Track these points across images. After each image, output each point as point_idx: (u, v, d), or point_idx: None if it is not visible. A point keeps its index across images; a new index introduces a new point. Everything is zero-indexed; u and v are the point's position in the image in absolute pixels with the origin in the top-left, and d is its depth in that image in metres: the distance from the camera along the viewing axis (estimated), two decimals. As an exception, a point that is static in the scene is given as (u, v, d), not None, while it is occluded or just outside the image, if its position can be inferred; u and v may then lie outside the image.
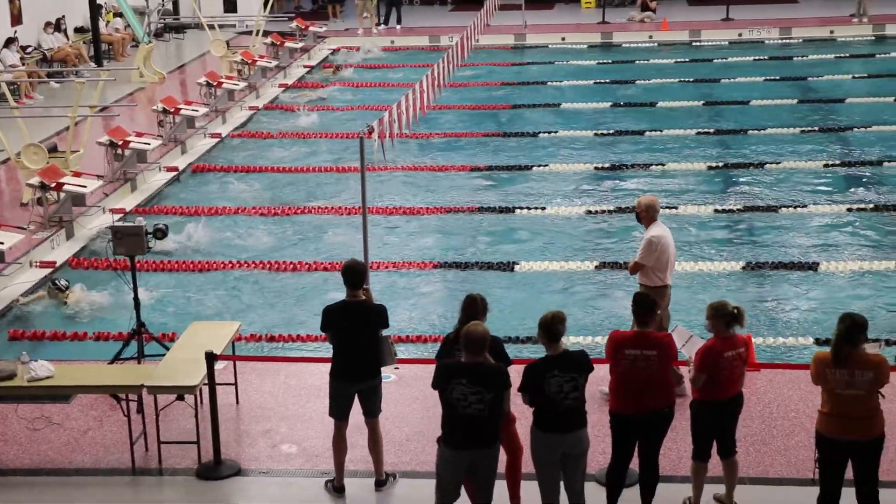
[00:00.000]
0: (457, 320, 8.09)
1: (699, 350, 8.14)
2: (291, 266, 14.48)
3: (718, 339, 8.09)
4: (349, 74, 26.79)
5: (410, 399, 10.28)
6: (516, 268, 14.25)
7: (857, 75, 24.92)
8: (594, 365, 7.91)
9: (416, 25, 31.64)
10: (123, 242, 10.40)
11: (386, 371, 9.31)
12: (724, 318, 8.05)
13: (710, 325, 8.12)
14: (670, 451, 8.99)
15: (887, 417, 7.78)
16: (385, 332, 8.78)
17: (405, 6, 32.73)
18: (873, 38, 28.67)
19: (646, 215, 10.15)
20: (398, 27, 31.32)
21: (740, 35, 29.26)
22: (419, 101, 13.58)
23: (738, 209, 16.17)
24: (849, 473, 7.77)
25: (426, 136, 20.49)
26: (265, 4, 27.88)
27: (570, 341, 7.87)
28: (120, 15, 28.49)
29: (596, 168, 18.52)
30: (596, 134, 20.64)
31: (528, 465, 8.11)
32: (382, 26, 31.44)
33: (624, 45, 29.53)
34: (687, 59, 27.32)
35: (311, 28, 29.55)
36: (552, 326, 7.67)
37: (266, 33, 28.02)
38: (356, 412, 8.79)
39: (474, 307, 8.06)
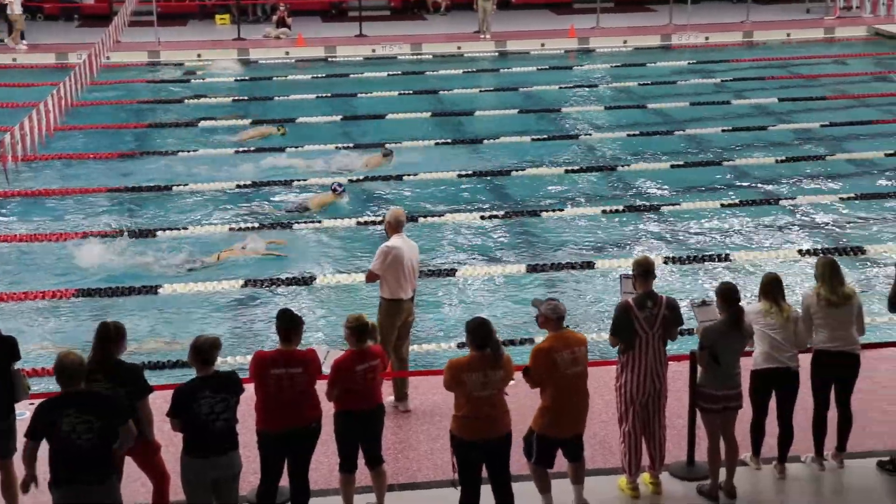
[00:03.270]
0: (90, 348, 7.76)
1: (332, 364, 8.26)
2: None
3: (351, 352, 8.23)
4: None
5: (48, 435, 9.70)
6: (160, 291, 13.86)
7: (483, 89, 26.20)
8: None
9: (40, 42, 30.10)
10: None
11: (20, 407, 8.76)
12: (354, 331, 8.19)
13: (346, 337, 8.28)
14: (321, 465, 9.03)
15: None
16: (17, 366, 8.28)
17: (28, 21, 31.00)
18: (497, 53, 30.27)
19: (388, 227, 10.28)
20: (23, 43, 29.68)
21: (374, 51, 30.03)
22: (45, 122, 12.96)
23: (377, 221, 16.51)
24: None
25: (56, 158, 19.45)
26: None
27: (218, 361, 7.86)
28: None
29: (238, 186, 18.36)
30: (236, 151, 20.46)
31: (178, 492, 7.89)
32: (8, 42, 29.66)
33: (261, 61, 29.54)
34: (324, 75, 27.69)
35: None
36: (209, 352, 7.58)
37: None
38: (-13, 454, 8.22)
39: (107, 334, 7.78)
